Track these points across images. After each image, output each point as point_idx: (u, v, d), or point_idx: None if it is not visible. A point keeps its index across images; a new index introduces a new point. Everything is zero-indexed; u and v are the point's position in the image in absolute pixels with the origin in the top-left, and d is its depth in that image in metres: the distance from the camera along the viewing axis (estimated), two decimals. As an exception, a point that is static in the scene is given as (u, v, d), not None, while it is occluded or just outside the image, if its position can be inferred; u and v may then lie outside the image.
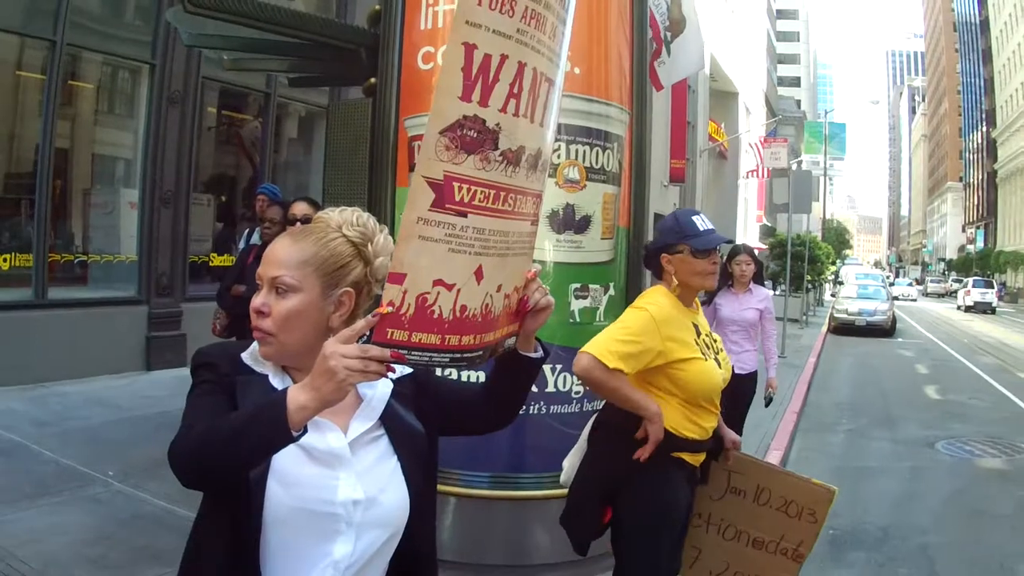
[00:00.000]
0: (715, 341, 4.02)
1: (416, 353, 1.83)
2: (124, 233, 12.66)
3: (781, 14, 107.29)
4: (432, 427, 2.30)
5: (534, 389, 5.25)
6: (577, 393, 5.49)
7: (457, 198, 1.79)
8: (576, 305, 5.57)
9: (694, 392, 3.78)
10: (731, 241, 4.31)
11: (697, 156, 39.58)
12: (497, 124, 1.80)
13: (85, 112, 12.80)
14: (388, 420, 2.19)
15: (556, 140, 5.44)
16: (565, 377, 5.52)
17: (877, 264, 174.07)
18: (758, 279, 8.17)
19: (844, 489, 8.94)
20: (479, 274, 1.87)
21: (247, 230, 7.88)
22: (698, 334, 3.86)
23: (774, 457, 9.66)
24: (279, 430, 1.80)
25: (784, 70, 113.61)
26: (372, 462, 2.12)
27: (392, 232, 2.12)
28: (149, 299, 12.42)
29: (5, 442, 7.84)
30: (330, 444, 2.06)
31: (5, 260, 10.84)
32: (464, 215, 1.80)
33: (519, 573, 5.70)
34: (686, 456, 3.84)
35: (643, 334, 3.74)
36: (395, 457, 2.16)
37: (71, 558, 5.29)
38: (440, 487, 5.39)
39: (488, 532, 5.75)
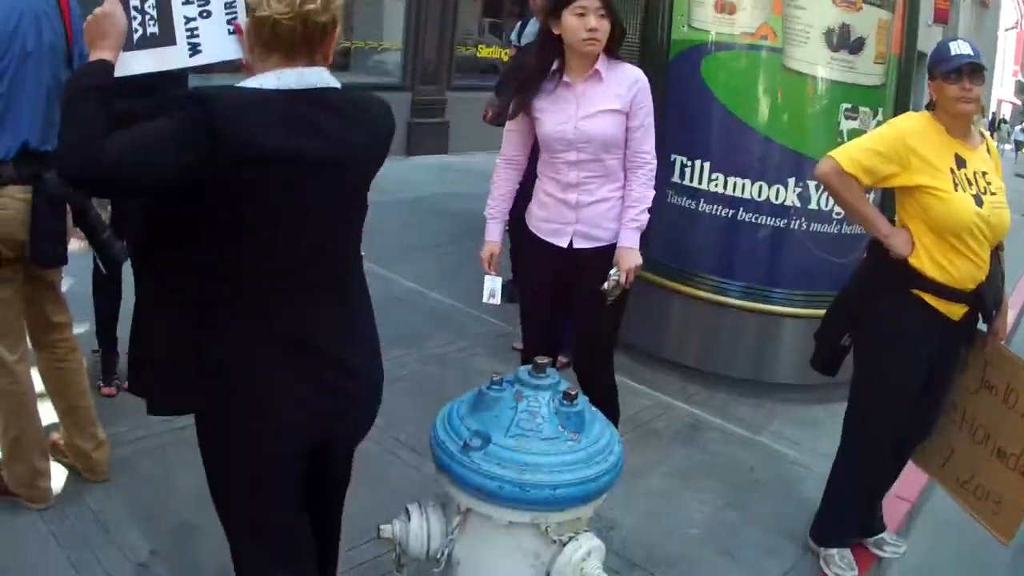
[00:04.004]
0: (989, 183, 3.69)
1: None
2: (388, 22, 12.92)
3: None
4: None
5: (797, 203, 5.38)
6: (838, 214, 5.45)
7: None
8: (845, 125, 5.51)
9: (937, 221, 3.57)
10: (981, 65, 3.63)
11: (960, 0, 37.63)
12: None
13: None
14: None
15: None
16: (829, 197, 5.42)
17: None
18: (614, 47, 3.88)
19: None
20: None
21: (518, 24, 7.91)
22: (960, 166, 3.64)
23: (1010, 316, 9.25)
24: None
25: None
26: None
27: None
28: (413, 86, 12.65)
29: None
30: None
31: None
32: None
33: (758, 388, 5.84)
34: (929, 298, 3.63)
35: (887, 144, 3.64)
36: None
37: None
38: (692, 291, 5.61)
39: (733, 343, 5.88)
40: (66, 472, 3.92)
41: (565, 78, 3.82)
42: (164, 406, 2.39)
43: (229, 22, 2.36)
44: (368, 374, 2.50)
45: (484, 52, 14.56)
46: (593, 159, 3.83)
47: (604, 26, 3.68)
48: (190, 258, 2.17)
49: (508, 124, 4.06)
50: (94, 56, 2.15)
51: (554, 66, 3.84)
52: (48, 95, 3.42)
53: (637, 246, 3.88)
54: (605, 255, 3.88)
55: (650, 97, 3.89)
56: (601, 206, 3.88)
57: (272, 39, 2.14)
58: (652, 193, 3.91)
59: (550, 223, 3.97)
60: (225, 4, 2.36)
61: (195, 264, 2.18)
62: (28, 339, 3.74)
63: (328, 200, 2.26)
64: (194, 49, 2.36)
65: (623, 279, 3.83)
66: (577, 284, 3.96)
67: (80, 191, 3.12)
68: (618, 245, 3.87)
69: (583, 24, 3.65)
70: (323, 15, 2.17)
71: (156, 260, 2.25)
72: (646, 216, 3.90)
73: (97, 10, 2.18)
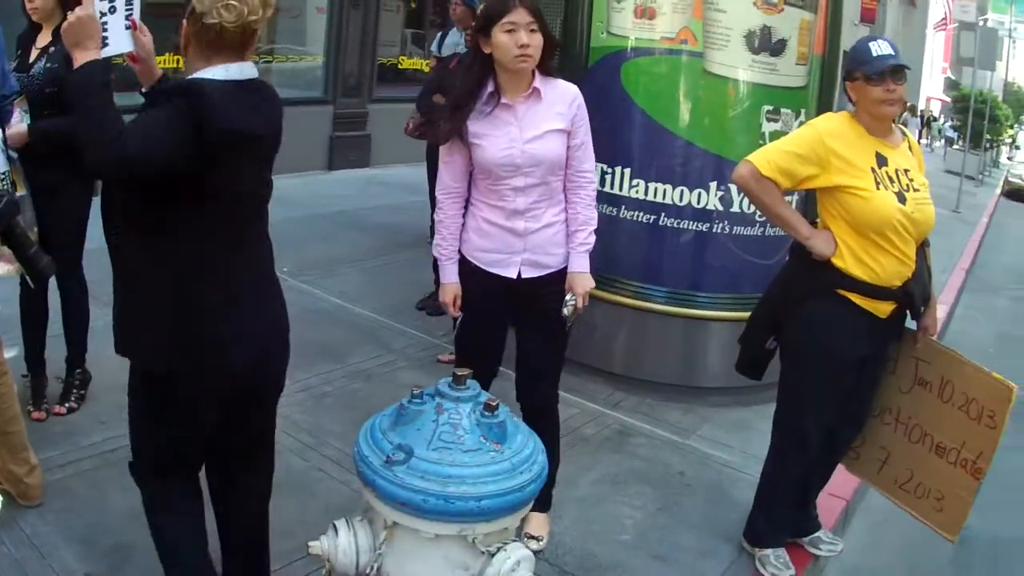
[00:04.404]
0: (911, 180, 3.71)
1: None
2: (311, 35, 12.86)
3: None
4: None
5: (719, 207, 5.41)
6: (761, 217, 5.45)
7: None
8: (767, 128, 5.56)
9: (859, 220, 3.59)
10: (904, 66, 3.65)
11: (888, -1, 38.39)
12: None
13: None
14: None
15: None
16: (749, 199, 5.48)
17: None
18: (547, 63, 3.70)
19: (1006, 355, 8.79)
20: None
21: (439, 34, 7.95)
22: (881, 164, 3.67)
23: (941, 311, 9.55)
24: None
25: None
26: None
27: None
28: (335, 99, 12.65)
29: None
30: None
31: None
32: None
33: (686, 393, 5.86)
34: (855, 297, 3.65)
35: (805, 146, 3.66)
36: None
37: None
38: (615, 297, 5.61)
39: (660, 349, 5.90)
40: (0, 498, 3.84)
41: (503, 99, 3.61)
42: (152, 358, 2.69)
43: (127, 17, 2.65)
44: (287, 330, 2.98)
45: (406, 63, 14.60)
46: (540, 183, 3.66)
47: (536, 41, 3.50)
48: (179, 224, 2.56)
49: (443, 154, 3.78)
50: (83, 57, 2.44)
51: (489, 87, 3.62)
52: None
53: (588, 269, 3.76)
54: (556, 280, 3.76)
55: (587, 112, 3.75)
56: (547, 232, 3.73)
57: (216, 41, 2.54)
58: (596, 214, 3.81)
59: (494, 253, 3.75)
60: (125, 1, 2.63)
61: (185, 231, 2.57)
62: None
63: (268, 171, 2.80)
64: (103, 42, 2.57)
65: (579, 304, 3.73)
66: (526, 309, 3.84)
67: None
68: (570, 270, 3.75)
69: (514, 41, 3.47)
70: (259, 22, 2.59)
71: (149, 234, 2.60)
72: (593, 238, 3.79)
73: (79, 11, 2.45)
